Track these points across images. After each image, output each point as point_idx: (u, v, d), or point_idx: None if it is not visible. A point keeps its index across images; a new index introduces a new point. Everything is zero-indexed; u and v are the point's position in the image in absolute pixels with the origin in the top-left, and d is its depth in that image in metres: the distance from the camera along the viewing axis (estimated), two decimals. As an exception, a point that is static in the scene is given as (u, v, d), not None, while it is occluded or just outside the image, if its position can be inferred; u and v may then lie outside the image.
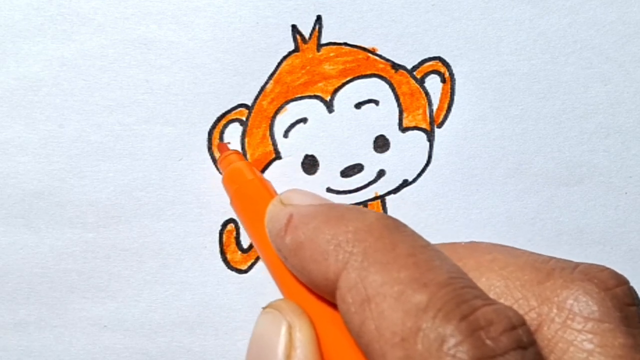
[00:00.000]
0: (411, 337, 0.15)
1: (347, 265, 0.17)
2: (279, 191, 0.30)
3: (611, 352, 0.16)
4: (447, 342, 0.14)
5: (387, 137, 0.30)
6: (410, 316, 0.15)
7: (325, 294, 0.18)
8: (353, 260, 0.17)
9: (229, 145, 0.30)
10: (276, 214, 0.21)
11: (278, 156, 0.30)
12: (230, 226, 0.30)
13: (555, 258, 0.18)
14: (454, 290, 0.15)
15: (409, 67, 0.30)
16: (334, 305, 0.18)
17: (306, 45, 0.29)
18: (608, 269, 0.17)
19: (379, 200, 0.31)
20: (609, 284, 0.17)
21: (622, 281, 0.17)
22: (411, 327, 0.15)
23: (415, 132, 0.31)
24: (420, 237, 0.18)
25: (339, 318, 0.17)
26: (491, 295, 0.17)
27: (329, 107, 0.30)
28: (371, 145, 0.30)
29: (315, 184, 0.30)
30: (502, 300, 0.17)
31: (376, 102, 0.30)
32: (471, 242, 0.20)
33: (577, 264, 0.18)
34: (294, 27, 0.29)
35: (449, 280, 0.15)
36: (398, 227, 0.18)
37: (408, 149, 0.31)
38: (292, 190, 0.22)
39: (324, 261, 0.17)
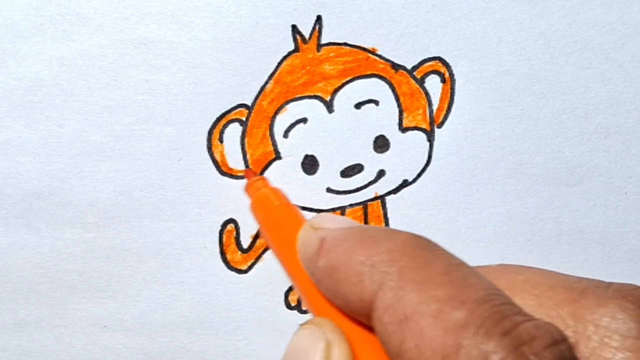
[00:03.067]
0: (452, 355, 0.15)
1: (382, 285, 0.17)
2: (281, 191, 0.30)
3: None
4: (490, 359, 0.14)
5: (387, 137, 0.30)
6: (451, 333, 0.15)
7: (361, 317, 0.18)
8: (388, 280, 0.17)
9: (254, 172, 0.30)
10: (308, 238, 0.21)
11: (278, 156, 0.30)
12: (230, 226, 0.30)
13: (586, 278, 0.18)
14: (493, 306, 0.15)
15: (409, 67, 0.30)
16: (368, 328, 0.18)
17: (306, 45, 0.29)
18: None
19: (379, 201, 0.31)
20: None
21: None
22: (452, 345, 0.15)
23: (415, 132, 0.31)
24: (453, 255, 0.18)
25: (374, 341, 0.17)
26: None
27: (329, 107, 0.30)
28: (371, 145, 0.30)
29: (315, 184, 0.30)
30: None
31: (376, 102, 0.30)
32: (501, 264, 0.20)
33: (610, 283, 0.18)
34: (294, 27, 0.29)
35: (487, 297, 0.15)
36: (431, 246, 0.18)
37: (408, 149, 0.31)
38: (321, 215, 0.22)
39: (359, 283, 0.18)
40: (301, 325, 0.19)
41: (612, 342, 0.16)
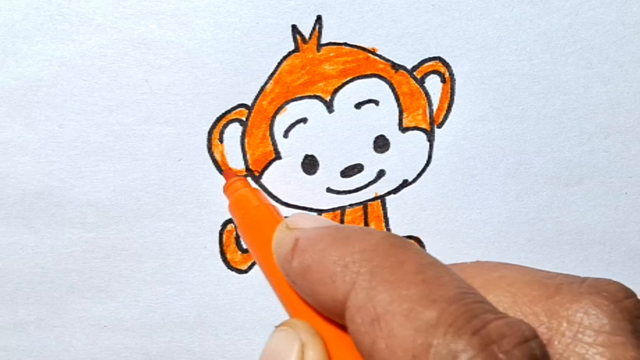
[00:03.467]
0: (423, 354, 0.15)
1: (355, 285, 0.17)
2: (280, 192, 0.30)
3: None
4: (460, 358, 0.14)
5: (387, 137, 0.30)
6: (421, 333, 0.15)
7: (334, 316, 0.18)
8: (361, 280, 0.17)
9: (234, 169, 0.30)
10: (282, 238, 0.21)
11: (278, 156, 0.30)
12: (230, 226, 0.30)
13: (562, 274, 0.18)
14: (464, 305, 0.15)
15: (409, 67, 0.30)
16: (343, 327, 0.18)
17: (306, 45, 0.29)
18: (616, 282, 0.17)
19: (379, 201, 0.31)
20: (618, 297, 0.17)
21: (630, 294, 0.17)
22: (422, 344, 0.15)
23: (415, 132, 0.31)
24: (427, 254, 0.18)
25: (349, 340, 0.17)
26: None
27: (329, 107, 0.30)
28: (371, 145, 0.30)
29: (315, 184, 0.30)
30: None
31: (376, 102, 0.30)
32: (477, 262, 0.20)
33: (585, 279, 0.18)
34: (294, 27, 0.29)
35: (459, 296, 0.15)
36: (404, 245, 0.18)
37: (408, 149, 0.31)
38: (297, 214, 0.22)
39: (331, 283, 0.18)
40: (276, 327, 0.19)
41: (585, 338, 0.16)
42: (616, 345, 0.16)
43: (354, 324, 0.17)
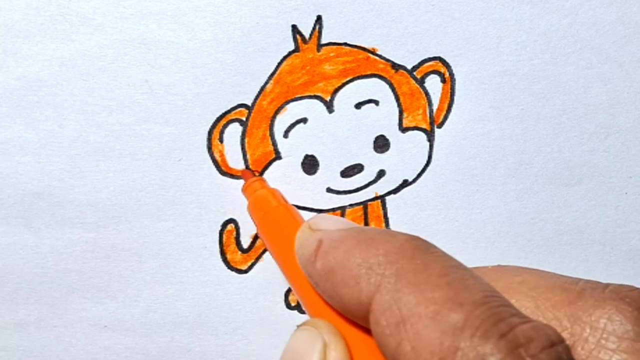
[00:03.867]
0: (449, 357, 0.15)
1: (379, 287, 0.17)
2: (279, 192, 0.30)
3: None
4: None
5: (387, 137, 0.30)
6: (448, 336, 0.15)
7: (358, 318, 0.18)
8: (386, 282, 0.17)
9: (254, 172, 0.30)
10: (305, 240, 0.21)
11: (278, 156, 0.30)
12: (230, 226, 0.30)
13: (583, 279, 0.18)
14: (490, 308, 0.15)
15: (409, 67, 0.30)
16: (365, 330, 0.18)
17: (306, 45, 0.29)
18: (638, 288, 0.17)
19: (379, 201, 0.31)
20: None
21: None
22: (449, 347, 0.15)
23: (415, 132, 0.31)
24: (451, 257, 0.18)
25: (371, 342, 0.17)
26: None
27: (329, 107, 0.30)
28: (371, 145, 0.30)
29: (315, 184, 0.30)
30: None
31: (376, 102, 0.30)
32: (498, 265, 0.20)
33: (607, 284, 0.18)
34: (294, 27, 0.29)
35: (485, 299, 0.16)
36: (428, 248, 0.18)
37: (408, 149, 0.31)
38: (320, 215, 0.22)
39: (356, 285, 0.18)
40: (298, 326, 0.19)
41: (608, 344, 0.16)
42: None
43: (379, 326, 0.17)
